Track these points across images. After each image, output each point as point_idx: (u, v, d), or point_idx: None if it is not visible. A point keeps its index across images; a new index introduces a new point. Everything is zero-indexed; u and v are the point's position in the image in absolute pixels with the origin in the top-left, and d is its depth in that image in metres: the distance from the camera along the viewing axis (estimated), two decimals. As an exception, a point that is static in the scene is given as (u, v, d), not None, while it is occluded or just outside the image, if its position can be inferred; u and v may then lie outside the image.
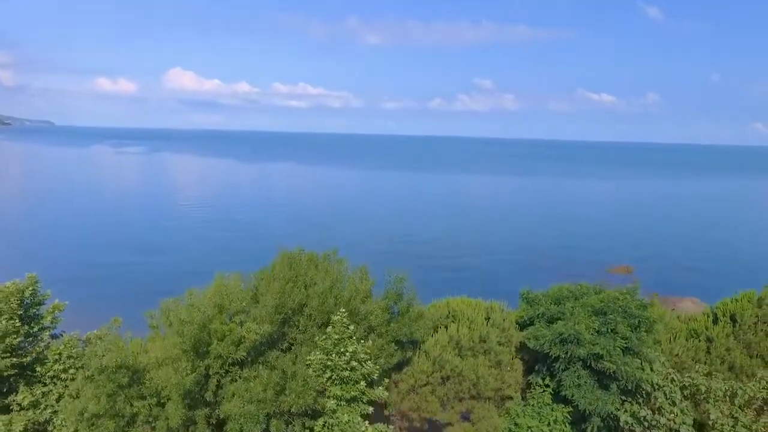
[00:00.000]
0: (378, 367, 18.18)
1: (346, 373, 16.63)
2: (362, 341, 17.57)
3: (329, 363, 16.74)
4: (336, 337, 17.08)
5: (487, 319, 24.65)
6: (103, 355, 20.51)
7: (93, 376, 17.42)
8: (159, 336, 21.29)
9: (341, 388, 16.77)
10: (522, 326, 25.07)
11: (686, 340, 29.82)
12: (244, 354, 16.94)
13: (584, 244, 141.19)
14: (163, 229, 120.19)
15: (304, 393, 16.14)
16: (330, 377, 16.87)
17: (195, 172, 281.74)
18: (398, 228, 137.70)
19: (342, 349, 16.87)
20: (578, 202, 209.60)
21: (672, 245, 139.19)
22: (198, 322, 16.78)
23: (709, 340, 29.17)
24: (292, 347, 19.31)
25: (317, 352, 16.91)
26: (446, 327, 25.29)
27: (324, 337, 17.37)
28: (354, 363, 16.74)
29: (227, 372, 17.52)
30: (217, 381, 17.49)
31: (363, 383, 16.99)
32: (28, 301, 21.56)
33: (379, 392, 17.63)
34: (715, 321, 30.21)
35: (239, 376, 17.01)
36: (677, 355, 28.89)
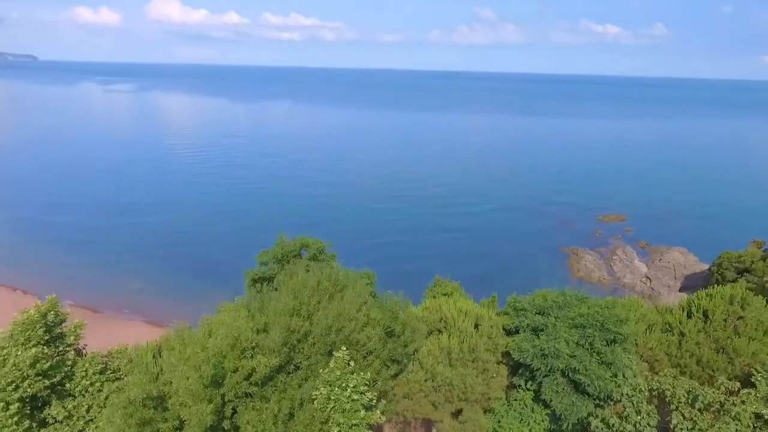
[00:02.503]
0: (376, 393, 20.27)
1: (348, 405, 18.71)
2: (361, 373, 19.52)
3: (332, 397, 18.78)
4: (338, 372, 19.01)
5: (476, 327, 26.67)
6: (125, 376, 22.62)
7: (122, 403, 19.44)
8: (176, 350, 23.18)
9: (343, 415, 18.92)
10: (508, 332, 27.17)
11: (662, 332, 32.27)
12: (256, 389, 18.93)
13: (578, 191, 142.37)
14: (162, 185, 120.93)
15: (311, 425, 18.31)
16: (333, 407, 18.96)
17: (187, 115, 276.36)
18: (393, 174, 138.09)
19: (344, 384, 18.86)
20: (574, 144, 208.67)
21: (666, 191, 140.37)
22: (213, 362, 18.61)
23: (681, 334, 31.59)
24: (298, 369, 21.32)
25: (321, 389, 18.89)
26: (440, 331, 27.44)
27: (327, 370, 19.30)
28: (355, 396, 18.77)
29: (240, 399, 19.59)
30: (233, 408, 19.60)
31: (363, 411, 19.12)
32: (52, 323, 23.28)
33: (377, 416, 19.84)
34: (689, 315, 32.52)
35: (252, 407, 19.09)
36: (651, 348, 31.43)
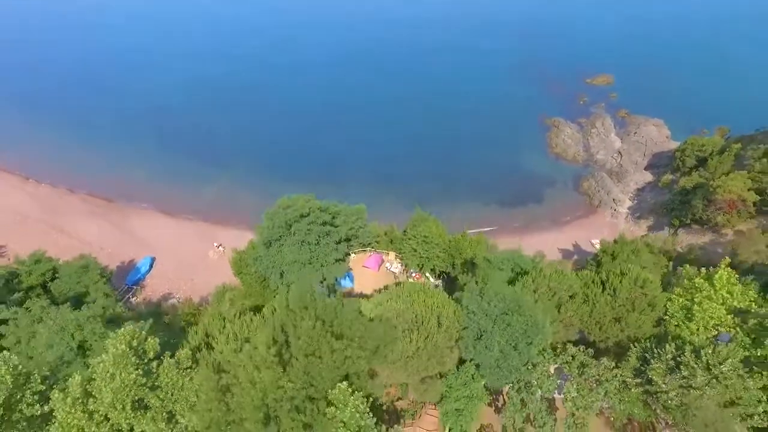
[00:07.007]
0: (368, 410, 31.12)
1: (348, 417, 29.81)
2: (357, 393, 30.18)
3: (338, 413, 29.73)
4: (341, 397, 29.67)
5: (439, 325, 36.77)
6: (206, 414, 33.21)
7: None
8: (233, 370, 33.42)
9: (344, 425, 30.11)
10: (462, 326, 37.48)
11: (582, 302, 42.65)
12: (290, 405, 29.83)
13: (570, 47, 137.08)
14: (144, 59, 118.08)
15: (326, 429, 29.71)
16: (339, 417, 30.07)
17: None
18: (376, 65, 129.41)
19: (346, 403, 29.68)
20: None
21: (664, 50, 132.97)
22: (261, 393, 29.09)
23: (594, 305, 42.14)
24: (312, 386, 31.93)
25: (332, 407, 29.71)
26: (411, 330, 37.35)
27: (333, 395, 29.97)
28: (353, 420, 29.68)
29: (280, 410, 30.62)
30: (275, 414, 30.71)
31: (358, 416, 30.29)
32: (137, 346, 32.94)
33: (368, 419, 31.13)
34: (603, 289, 42.56)
35: (291, 417, 30.14)
36: (570, 315, 42.35)
